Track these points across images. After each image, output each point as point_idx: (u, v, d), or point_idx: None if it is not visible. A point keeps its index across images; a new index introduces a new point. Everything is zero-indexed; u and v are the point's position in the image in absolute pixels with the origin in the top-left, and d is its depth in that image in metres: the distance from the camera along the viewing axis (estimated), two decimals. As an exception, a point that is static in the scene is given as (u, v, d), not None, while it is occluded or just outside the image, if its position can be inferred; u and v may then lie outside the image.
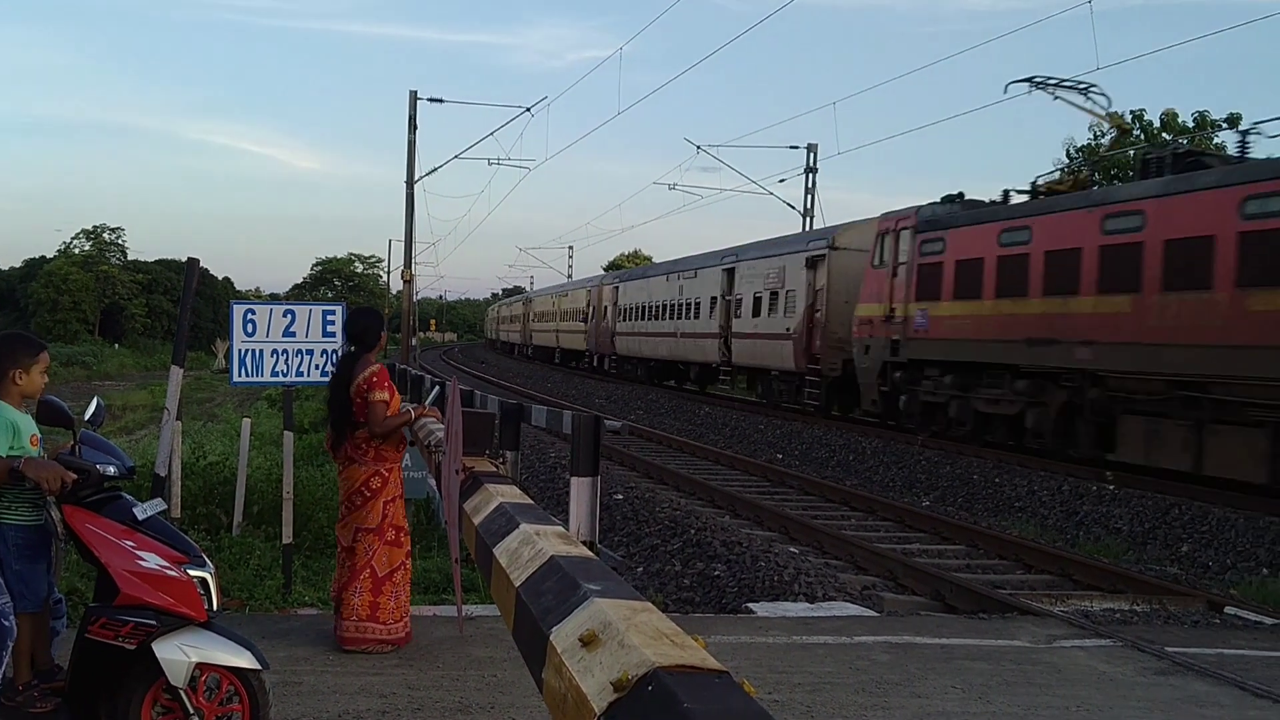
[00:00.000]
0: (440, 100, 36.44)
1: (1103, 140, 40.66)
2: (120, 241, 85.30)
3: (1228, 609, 9.31)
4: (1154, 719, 5.90)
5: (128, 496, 4.53)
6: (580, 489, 8.74)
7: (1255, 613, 9.16)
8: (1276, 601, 9.71)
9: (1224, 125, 38.08)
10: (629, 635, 1.74)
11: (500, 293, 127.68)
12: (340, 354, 7.41)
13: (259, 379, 8.18)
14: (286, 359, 8.11)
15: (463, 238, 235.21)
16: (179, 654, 4.24)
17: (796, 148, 39.98)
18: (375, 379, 6.49)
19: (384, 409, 6.45)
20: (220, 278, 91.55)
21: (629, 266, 75.60)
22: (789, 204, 50.46)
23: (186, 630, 4.29)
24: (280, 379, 8.17)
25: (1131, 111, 40.13)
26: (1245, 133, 16.55)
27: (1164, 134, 39.19)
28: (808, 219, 39.20)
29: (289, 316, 8.17)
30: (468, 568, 6.50)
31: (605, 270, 77.54)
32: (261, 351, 8.06)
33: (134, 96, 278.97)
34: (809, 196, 39.65)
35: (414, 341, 44.99)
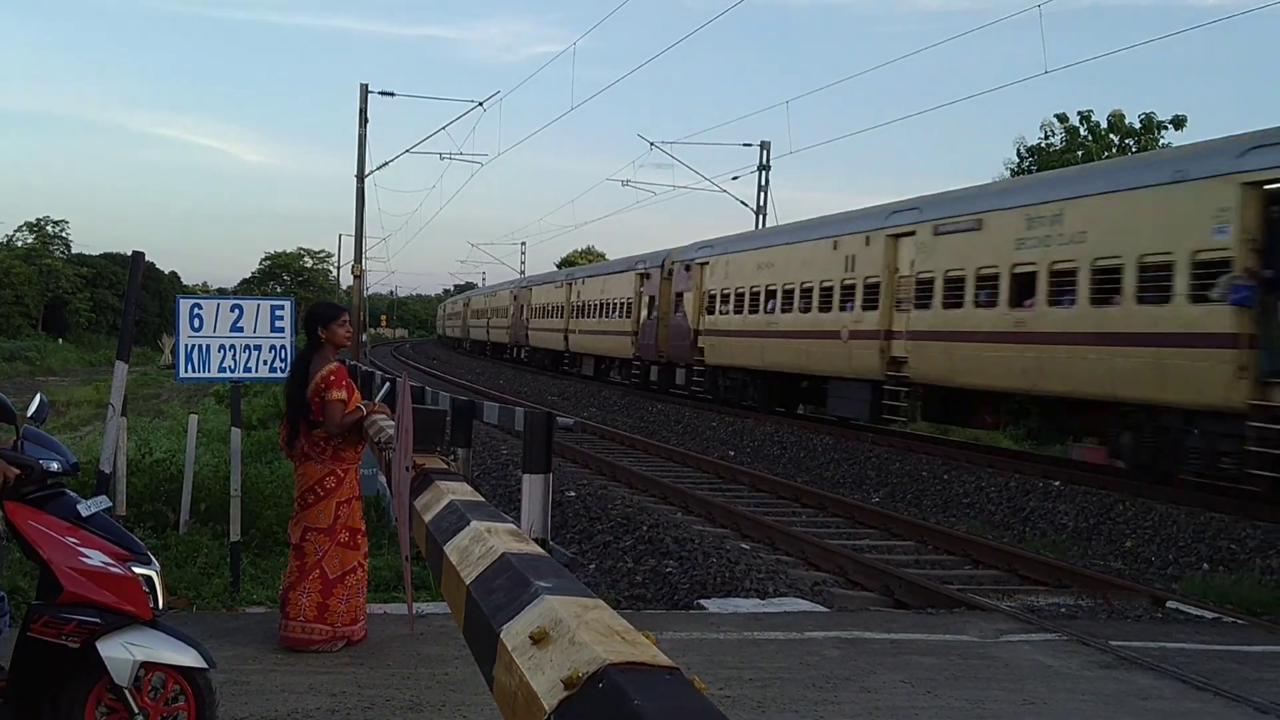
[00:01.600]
0: (391, 94, 36.22)
1: (1052, 140, 41.21)
2: (64, 234, 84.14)
3: (1170, 603, 9.46)
4: (1098, 712, 5.99)
5: (71, 493, 4.47)
6: (532, 486, 8.73)
7: (1196, 607, 9.31)
8: (1217, 596, 9.88)
9: (1169, 126, 38.68)
10: (580, 633, 1.73)
11: (452, 289, 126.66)
12: (298, 350, 7.33)
13: (206, 375, 8.08)
14: (234, 354, 8.01)
15: (414, 233, 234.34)
16: (123, 653, 4.18)
17: (750, 145, 40.28)
18: (333, 377, 6.43)
19: (341, 408, 6.40)
20: (167, 272, 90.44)
21: (583, 263, 74.67)
22: (742, 201, 50.64)
23: (131, 629, 4.24)
24: (228, 375, 8.08)
25: (1079, 112, 40.64)
26: None
27: (1111, 135, 39.73)
28: (761, 216, 39.36)
29: (237, 311, 8.07)
30: (418, 565, 6.47)
31: (558, 266, 77.24)
32: (208, 347, 7.96)
33: (79, 88, 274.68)
34: (762, 194, 39.81)
35: (364, 338, 44.67)
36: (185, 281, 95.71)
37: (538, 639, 1.82)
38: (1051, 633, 7.76)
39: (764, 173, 39.92)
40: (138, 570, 4.30)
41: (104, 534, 4.34)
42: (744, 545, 11.52)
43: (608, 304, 38.60)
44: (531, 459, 8.85)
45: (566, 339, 44.31)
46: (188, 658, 4.31)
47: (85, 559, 4.22)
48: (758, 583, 9.31)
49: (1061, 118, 40.88)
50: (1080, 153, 38.71)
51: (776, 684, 6.16)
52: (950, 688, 6.27)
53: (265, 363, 8.06)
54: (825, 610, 8.55)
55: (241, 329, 8.02)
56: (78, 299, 78.58)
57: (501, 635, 1.95)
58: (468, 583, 2.42)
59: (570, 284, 44.88)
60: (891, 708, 5.87)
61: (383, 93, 35.95)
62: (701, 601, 8.68)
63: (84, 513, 4.33)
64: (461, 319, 79.63)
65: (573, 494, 13.95)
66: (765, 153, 39.82)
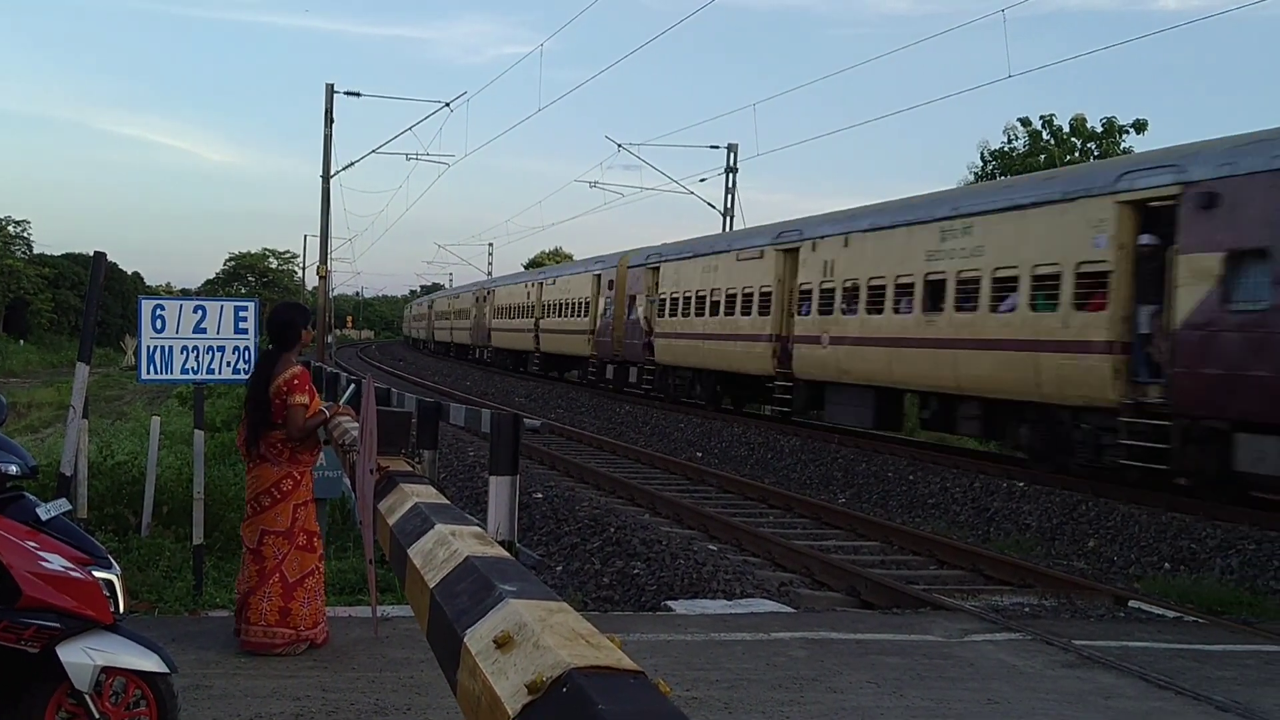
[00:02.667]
0: (357, 94, 36.03)
1: (1015, 144, 41.54)
2: (26, 234, 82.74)
3: (1132, 603, 9.56)
4: (1062, 710, 6.04)
5: (31, 496, 4.41)
6: (499, 488, 8.70)
7: (1158, 606, 9.41)
8: (1178, 596, 9.99)
9: (1130, 130, 39.09)
10: (544, 636, 1.73)
11: (419, 289, 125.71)
12: (260, 351, 7.28)
13: (169, 376, 8.00)
14: (197, 356, 7.94)
15: (380, 234, 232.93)
16: (84, 657, 4.14)
17: (717, 148, 40.16)
18: (296, 381, 6.38)
19: (303, 413, 6.35)
20: (130, 272, 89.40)
21: (550, 264, 73.57)
22: (709, 203, 50.83)
23: (92, 633, 4.19)
24: (191, 376, 8.00)
25: (1041, 116, 40.99)
26: None
27: (1073, 138, 40.09)
28: (728, 219, 39.44)
29: (200, 313, 8.00)
30: (383, 568, 6.43)
31: (525, 267, 75.82)
32: (171, 348, 7.89)
33: (41, 86, 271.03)
34: (729, 196, 39.88)
35: (330, 339, 44.44)
36: (148, 282, 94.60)
37: (502, 643, 1.81)
38: (1015, 632, 7.81)
39: (731, 175, 40.02)
40: (98, 574, 4.25)
41: (64, 538, 4.29)
42: (711, 546, 11.54)
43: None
44: (498, 461, 8.82)
45: (784, 348, 23.24)
46: (149, 662, 4.26)
47: (45, 563, 4.17)
48: (725, 584, 9.33)
49: (1024, 121, 41.23)
50: (1043, 156, 39.05)
51: (743, 685, 6.17)
52: (915, 687, 6.30)
53: (229, 364, 7.99)
54: (792, 611, 8.57)
55: (205, 330, 7.95)
56: (39, 300, 77.52)
57: (465, 639, 1.95)
58: (432, 586, 2.41)
59: (785, 252, 23.53)
60: (857, 708, 5.89)
61: (349, 93, 35.80)
62: (668, 603, 8.68)
63: (43, 516, 4.28)
64: (472, 318, 58.43)
65: (540, 496, 13.92)
66: (732, 155, 39.93)
